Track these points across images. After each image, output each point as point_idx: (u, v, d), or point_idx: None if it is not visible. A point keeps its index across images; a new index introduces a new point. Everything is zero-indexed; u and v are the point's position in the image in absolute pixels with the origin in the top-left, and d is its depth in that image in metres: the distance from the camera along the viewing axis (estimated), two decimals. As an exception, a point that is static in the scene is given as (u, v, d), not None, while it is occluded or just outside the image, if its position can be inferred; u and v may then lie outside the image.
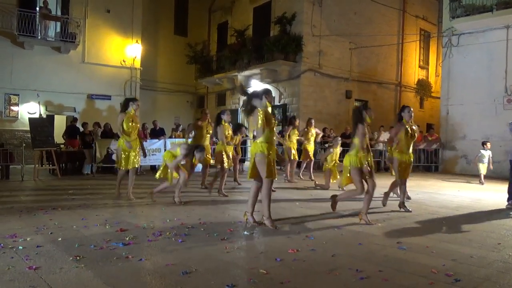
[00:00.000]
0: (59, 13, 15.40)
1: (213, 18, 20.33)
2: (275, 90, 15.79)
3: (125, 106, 6.84)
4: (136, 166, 7.04)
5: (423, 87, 18.77)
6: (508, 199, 6.34)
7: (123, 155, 6.78)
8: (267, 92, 4.81)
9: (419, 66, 19.20)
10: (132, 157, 6.78)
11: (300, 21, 14.82)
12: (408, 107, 6.03)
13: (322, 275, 3.13)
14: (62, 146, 11.77)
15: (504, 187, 7.28)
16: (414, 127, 5.95)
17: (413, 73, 18.82)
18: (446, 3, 13.70)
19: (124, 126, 6.73)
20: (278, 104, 15.63)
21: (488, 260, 3.58)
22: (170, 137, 12.51)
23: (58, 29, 15.06)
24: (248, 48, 15.87)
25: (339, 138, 9.10)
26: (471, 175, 12.39)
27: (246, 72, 16.38)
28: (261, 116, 4.61)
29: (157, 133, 12.22)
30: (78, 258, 3.42)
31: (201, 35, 20.41)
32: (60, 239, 4.07)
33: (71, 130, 12.28)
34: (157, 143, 11.58)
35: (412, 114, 5.93)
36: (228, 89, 18.39)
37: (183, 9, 21.17)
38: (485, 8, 12.54)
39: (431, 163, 14.18)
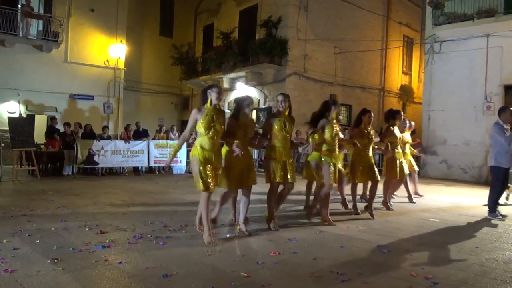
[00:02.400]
0: (41, 11, 15.15)
1: (199, 20, 20.27)
2: (260, 93, 15.83)
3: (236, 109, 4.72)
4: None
5: (406, 92, 19.04)
6: (489, 212, 6.19)
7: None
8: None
9: (402, 72, 19.48)
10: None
11: (285, 25, 14.89)
12: (369, 112, 5.96)
13: (303, 278, 3.14)
14: (42, 146, 11.55)
15: (484, 191, 7.43)
16: (371, 131, 5.95)
17: (396, 79, 19.09)
18: (429, 10, 13.95)
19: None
20: (263, 107, 15.66)
21: (466, 263, 3.64)
22: (154, 138, 12.40)
23: (41, 28, 14.81)
24: (233, 51, 15.87)
25: None
26: (452, 179, 12.63)
27: (232, 75, 16.38)
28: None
29: (141, 135, 12.11)
30: (56, 261, 3.36)
31: (187, 37, 20.33)
32: (38, 241, 3.99)
33: (50, 130, 12.06)
34: (140, 145, 11.47)
35: (372, 119, 5.93)
36: (214, 91, 18.33)
37: (169, 11, 21.07)
38: (466, 17, 12.81)
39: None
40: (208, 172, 4.06)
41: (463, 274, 3.33)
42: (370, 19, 17.48)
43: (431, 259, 3.75)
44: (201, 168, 4.06)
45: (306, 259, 3.64)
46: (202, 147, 4.14)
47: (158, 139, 12.38)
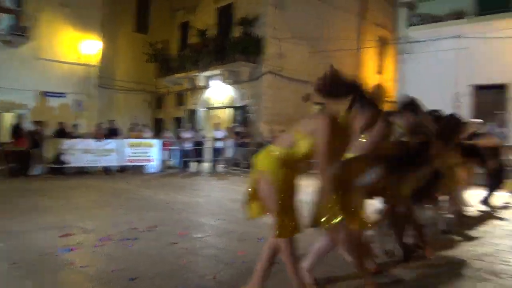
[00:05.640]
0: (11, 5, 14.62)
1: (175, 17, 20.03)
2: (236, 91, 15.79)
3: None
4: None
5: (379, 92, 19.35)
6: None
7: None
8: None
9: (376, 72, 19.80)
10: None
11: (262, 23, 14.90)
12: None
13: (270, 277, 3.14)
14: (5, 145, 11.09)
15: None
16: None
17: (370, 78, 19.38)
18: (403, 11, 14.23)
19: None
20: (239, 105, 15.64)
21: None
22: (126, 137, 12.19)
23: (10, 22, 14.29)
24: (210, 49, 15.78)
25: None
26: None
27: (207, 73, 16.28)
28: None
29: (112, 133, 11.88)
30: (18, 265, 3.25)
31: (163, 34, 20.04)
32: (1, 244, 3.86)
33: (17, 128, 11.66)
34: (111, 144, 11.23)
35: None
36: (189, 89, 18.19)
37: (145, 7, 20.71)
38: (438, 18, 13.14)
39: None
40: None
41: (430, 270, 3.40)
42: (346, 19, 17.68)
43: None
44: None
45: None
46: None
47: (131, 137, 12.18)
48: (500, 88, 12.65)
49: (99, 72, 16.71)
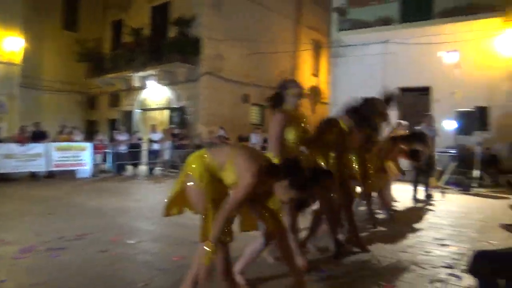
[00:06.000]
0: None
1: (107, 15, 19.21)
2: (173, 92, 15.48)
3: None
4: None
5: (314, 93, 20.00)
6: None
7: None
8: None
9: (312, 74, 20.43)
10: None
11: (199, 24, 14.74)
12: None
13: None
14: None
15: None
16: None
17: (306, 81, 19.95)
18: (334, 16, 14.80)
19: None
20: (176, 106, 15.35)
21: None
22: (54, 140, 11.45)
23: None
24: (144, 48, 15.32)
25: None
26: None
27: (143, 73, 15.80)
28: None
29: (38, 136, 11.08)
30: None
31: (94, 32, 19.12)
32: None
33: None
34: (37, 148, 10.46)
35: None
36: (123, 89, 17.52)
37: (74, 3, 19.61)
38: (367, 24, 13.83)
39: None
40: None
41: (358, 264, 3.54)
42: (282, 22, 18.05)
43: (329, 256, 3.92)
44: None
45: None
46: None
47: (60, 141, 11.46)
48: (424, 90, 13.60)
49: (23, 71, 15.53)
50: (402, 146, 5.81)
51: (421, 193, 7.62)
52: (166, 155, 13.11)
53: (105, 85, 18.20)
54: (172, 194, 2.65)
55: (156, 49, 15.01)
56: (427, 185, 7.80)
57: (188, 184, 2.55)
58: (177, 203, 2.66)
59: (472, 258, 2.19)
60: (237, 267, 2.99)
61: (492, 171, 11.13)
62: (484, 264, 1.99)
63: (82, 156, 11.20)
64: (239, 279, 2.93)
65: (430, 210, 6.75)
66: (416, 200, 7.52)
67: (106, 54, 17.91)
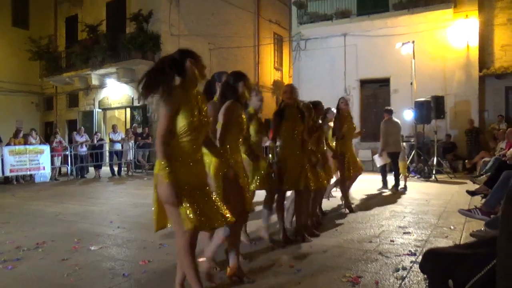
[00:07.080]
0: None
1: (60, 10, 18.42)
2: (134, 91, 15.09)
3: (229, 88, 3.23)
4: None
5: (278, 87, 20.08)
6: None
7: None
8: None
9: (274, 68, 20.50)
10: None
11: (157, 19, 14.41)
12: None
13: (171, 285, 3.02)
14: None
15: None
16: None
17: (269, 74, 20.00)
18: (294, 10, 14.87)
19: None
20: (138, 105, 14.98)
21: (327, 246, 3.92)
22: (8, 144, 10.90)
23: None
24: (102, 45, 14.81)
25: None
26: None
27: (101, 71, 15.29)
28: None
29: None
30: None
31: (47, 29, 18.30)
32: None
33: None
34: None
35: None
36: (81, 88, 16.89)
37: (23, -2, 18.66)
38: (326, 17, 13.98)
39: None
40: None
41: (323, 256, 3.58)
42: (242, 16, 17.95)
43: (293, 248, 3.95)
44: None
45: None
46: None
47: (14, 144, 10.92)
48: (384, 81, 13.95)
49: (-30, 71, 14.67)
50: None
51: (388, 181, 7.92)
52: (130, 155, 12.79)
53: (62, 85, 17.49)
54: (155, 206, 2.50)
55: (114, 46, 14.56)
56: (396, 174, 7.97)
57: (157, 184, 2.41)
58: (164, 214, 2.51)
59: (422, 257, 2.13)
60: (206, 254, 3.12)
61: (451, 157, 11.62)
62: (435, 264, 1.98)
63: (40, 160, 10.74)
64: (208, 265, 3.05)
65: (393, 198, 6.95)
66: (385, 187, 7.87)
67: (61, 52, 17.18)
